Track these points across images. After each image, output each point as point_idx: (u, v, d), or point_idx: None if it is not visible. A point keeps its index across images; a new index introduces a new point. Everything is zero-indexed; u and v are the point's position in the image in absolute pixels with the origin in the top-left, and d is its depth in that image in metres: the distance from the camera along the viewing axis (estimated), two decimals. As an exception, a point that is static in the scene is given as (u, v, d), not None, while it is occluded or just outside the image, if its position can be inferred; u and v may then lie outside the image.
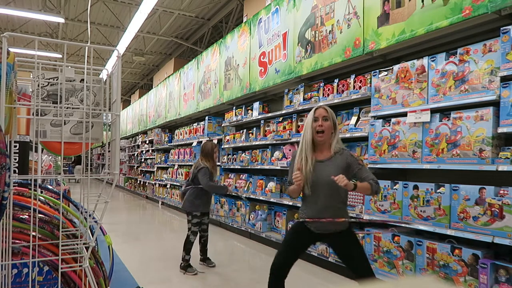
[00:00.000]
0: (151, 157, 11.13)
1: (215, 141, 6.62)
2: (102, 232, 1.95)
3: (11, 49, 1.35)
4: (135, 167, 13.14)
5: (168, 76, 10.05)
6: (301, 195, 2.32)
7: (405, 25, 3.15)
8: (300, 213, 2.33)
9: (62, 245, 1.50)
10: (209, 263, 4.00)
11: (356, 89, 3.78)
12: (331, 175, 2.07)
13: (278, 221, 5.00)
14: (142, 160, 12.18)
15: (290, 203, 4.47)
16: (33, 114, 1.48)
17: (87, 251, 1.56)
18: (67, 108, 1.55)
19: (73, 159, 16.81)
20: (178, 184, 8.50)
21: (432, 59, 2.92)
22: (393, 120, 3.18)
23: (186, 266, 3.77)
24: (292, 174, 2.20)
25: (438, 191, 2.79)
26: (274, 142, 4.89)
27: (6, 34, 1.37)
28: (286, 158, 4.68)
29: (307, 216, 2.25)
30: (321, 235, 2.28)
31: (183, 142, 8.49)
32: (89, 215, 1.62)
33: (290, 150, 4.73)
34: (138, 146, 12.87)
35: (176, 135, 9.18)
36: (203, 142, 4.23)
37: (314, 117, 2.25)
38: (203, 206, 3.88)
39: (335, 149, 2.25)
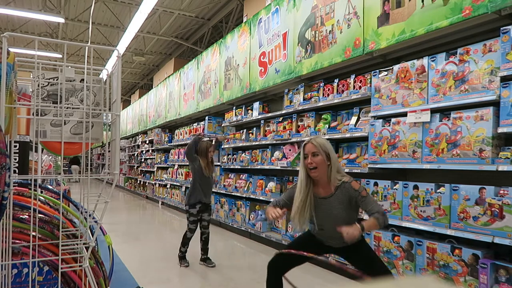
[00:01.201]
0: (151, 157, 11.14)
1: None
2: (102, 232, 1.95)
3: (11, 49, 1.35)
4: (135, 167, 13.14)
5: (168, 76, 10.05)
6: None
7: (405, 25, 3.15)
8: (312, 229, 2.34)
9: (62, 245, 1.50)
10: (209, 263, 4.01)
11: (356, 89, 3.78)
12: (335, 212, 2.07)
13: (278, 221, 5.00)
14: (142, 160, 12.18)
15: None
16: (33, 114, 1.48)
17: (87, 251, 1.56)
18: (67, 108, 1.55)
19: (72, 158, 16.76)
20: (178, 184, 8.50)
21: (432, 59, 2.92)
22: (393, 120, 3.18)
23: (180, 257, 4.00)
24: (283, 198, 2.28)
25: (438, 191, 2.79)
26: (274, 142, 4.89)
27: (6, 34, 1.37)
28: (286, 158, 4.68)
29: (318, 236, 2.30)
30: (331, 248, 2.26)
31: (183, 142, 8.49)
32: (89, 215, 1.62)
33: (290, 150, 4.73)
34: (138, 146, 12.87)
35: (176, 135, 9.18)
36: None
37: (304, 154, 2.15)
38: (197, 196, 3.95)
39: (335, 182, 2.14)
